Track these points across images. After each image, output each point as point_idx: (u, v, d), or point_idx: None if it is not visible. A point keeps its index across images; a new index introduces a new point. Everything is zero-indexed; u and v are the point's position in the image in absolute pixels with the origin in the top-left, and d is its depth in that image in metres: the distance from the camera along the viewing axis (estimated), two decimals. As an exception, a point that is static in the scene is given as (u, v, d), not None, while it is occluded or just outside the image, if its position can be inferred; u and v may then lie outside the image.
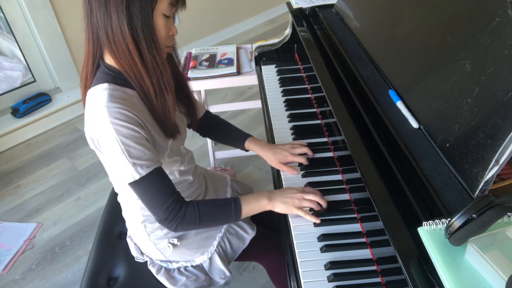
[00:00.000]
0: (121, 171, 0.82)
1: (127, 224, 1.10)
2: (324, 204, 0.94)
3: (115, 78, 0.85)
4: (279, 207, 0.94)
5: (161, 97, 0.86)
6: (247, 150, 1.18)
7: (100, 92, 0.82)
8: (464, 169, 0.67)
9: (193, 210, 0.89)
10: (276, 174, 1.11)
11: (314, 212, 0.93)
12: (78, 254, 1.77)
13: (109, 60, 0.85)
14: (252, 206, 0.95)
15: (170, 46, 0.89)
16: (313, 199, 0.93)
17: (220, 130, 1.20)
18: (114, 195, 1.29)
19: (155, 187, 0.85)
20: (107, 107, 0.79)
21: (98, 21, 0.79)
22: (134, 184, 0.84)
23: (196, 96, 1.12)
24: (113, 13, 0.76)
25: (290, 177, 1.07)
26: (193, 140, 2.32)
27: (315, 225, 0.91)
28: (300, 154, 1.09)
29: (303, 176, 1.06)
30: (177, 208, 0.87)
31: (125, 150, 0.80)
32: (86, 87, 0.88)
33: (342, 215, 0.93)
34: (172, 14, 0.84)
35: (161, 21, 0.81)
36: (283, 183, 1.05)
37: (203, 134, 1.23)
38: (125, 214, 1.10)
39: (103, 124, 0.79)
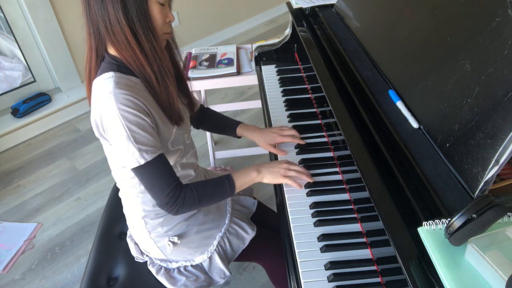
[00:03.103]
0: (126, 156, 0.85)
1: (128, 221, 1.10)
2: (309, 180, 1.00)
3: (120, 67, 0.87)
4: (267, 178, 1.00)
5: (163, 83, 0.89)
6: (239, 137, 1.23)
7: (106, 80, 0.84)
8: (464, 169, 0.67)
9: (191, 192, 0.92)
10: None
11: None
12: (78, 254, 1.77)
13: (112, 51, 0.88)
14: (243, 180, 0.99)
15: (168, 33, 0.91)
16: (299, 169, 1.00)
17: (213, 121, 1.25)
18: (114, 195, 1.29)
19: (159, 173, 0.88)
20: (114, 93, 0.81)
21: (96, 15, 0.81)
22: (139, 169, 0.87)
23: (196, 96, 1.14)
24: (109, 5, 0.79)
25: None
26: (193, 140, 2.32)
27: (315, 224, 0.91)
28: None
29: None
30: (177, 194, 0.90)
31: (131, 136, 0.82)
32: (90, 80, 0.90)
33: (342, 215, 0.93)
34: (167, 1, 0.87)
35: (156, 8, 0.83)
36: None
37: (197, 126, 1.26)
38: (126, 210, 1.10)
39: (110, 110, 0.81)
